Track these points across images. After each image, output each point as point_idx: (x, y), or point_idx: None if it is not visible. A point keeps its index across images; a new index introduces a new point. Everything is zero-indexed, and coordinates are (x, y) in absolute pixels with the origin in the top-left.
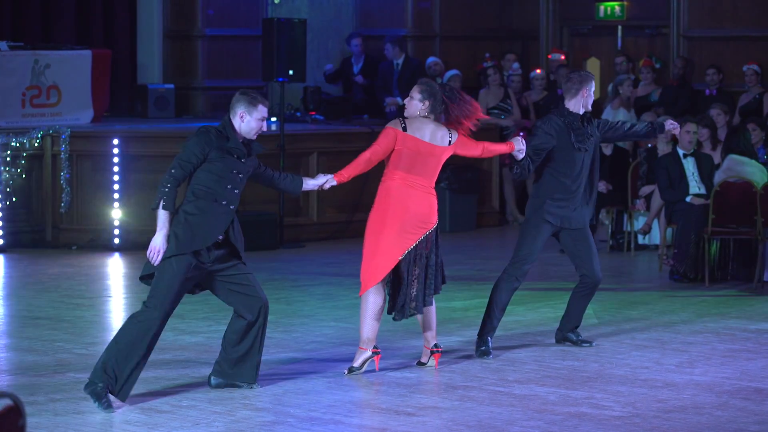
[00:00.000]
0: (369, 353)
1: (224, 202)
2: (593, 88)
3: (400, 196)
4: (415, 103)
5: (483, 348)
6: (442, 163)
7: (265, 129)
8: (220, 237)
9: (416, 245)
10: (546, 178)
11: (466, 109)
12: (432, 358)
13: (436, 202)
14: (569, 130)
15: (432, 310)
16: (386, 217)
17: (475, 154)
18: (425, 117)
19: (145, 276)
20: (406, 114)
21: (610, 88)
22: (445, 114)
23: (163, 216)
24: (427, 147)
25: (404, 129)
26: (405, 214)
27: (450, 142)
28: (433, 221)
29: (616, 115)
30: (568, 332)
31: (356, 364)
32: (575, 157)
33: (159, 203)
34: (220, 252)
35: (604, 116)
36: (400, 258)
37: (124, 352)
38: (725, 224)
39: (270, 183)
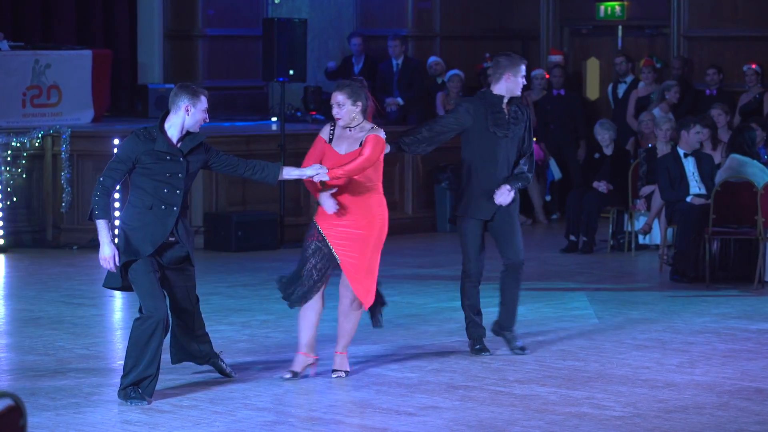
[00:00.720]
0: (306, 357)
1: (163, 207)
2: (523, 73)
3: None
4: (351, 108)
5: (478, 347)
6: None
7: (207, 120)
8: (171, 239)
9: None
10: (469, 167)
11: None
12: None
13: (377, 208)
14: (487, 114)
15: (356, 312)
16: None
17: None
18: (361, 123)
19: (109, 287)
20: (342, 124)
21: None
22: (365, 112)
23: (100, 225)
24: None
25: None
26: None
27: (361, 142)
28: (372, 227)
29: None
30: (505, 330)
31: (295, 368)
32: (496, 142)
33: (91, 213)
34: (173, 253)
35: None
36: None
37: (139, 353)
38: (726, 224)
39: (236, 173)
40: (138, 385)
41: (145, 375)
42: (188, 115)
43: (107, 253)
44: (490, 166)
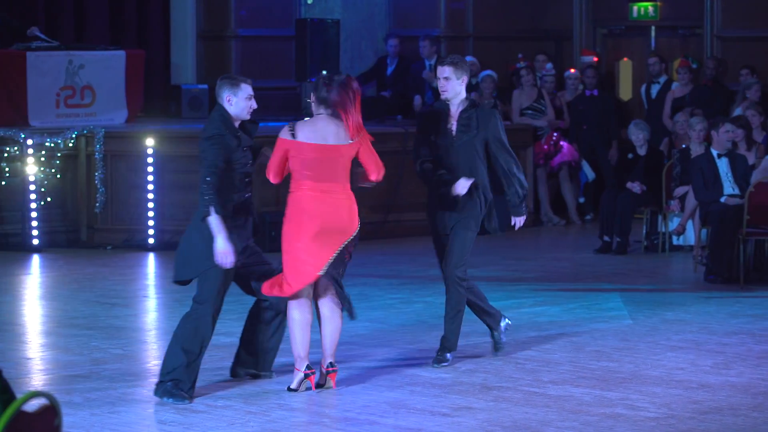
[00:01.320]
0: (302, 374)
1: (246, 195)
2: (442, 75)
3: (312, 208)
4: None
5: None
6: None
7: (254, 106)
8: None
9: (335, 256)
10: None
11: (342, 99)
12: (328, 378)
13: (355, 206)
14: (445, 117)
15: (336, 319)
16: (300, 231)
17: (380, 173)
18: (320, 114)
19: (179, 281)
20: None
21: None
22: (324, 103)
23: (215, 220)
24: (331, 149)
25: (294, 136)
26: (321, 227)
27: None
28: (354, 228)
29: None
30: (442, 350)
31: (293, 385)
32: (450, 145)
33: (210, 210)
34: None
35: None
36: (319, 273)
37: (182, 350)
38: (760, 225)
39: None
40: (179, 382)
41: (189, 371)
42: (231, 104)
43: (224, 247)
44: (447, 177)
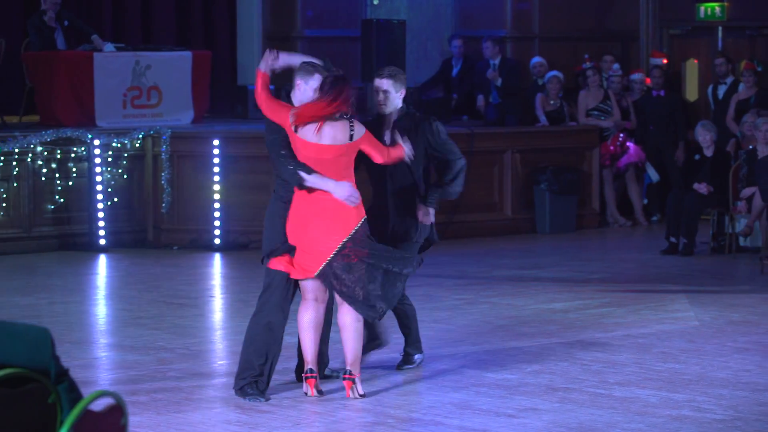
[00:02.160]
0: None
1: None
2: (376, 85)
3: (307, 207)
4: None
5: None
6: (354, 159)
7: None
8: None
9: (333, 257)
10: None
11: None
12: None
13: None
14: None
15: (350, 326)
16: (298, 230)
17: (379, 160)
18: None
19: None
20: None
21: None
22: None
23: (313, 179)
24: (328, 149)
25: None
26: (316, 225)
27: (352, 137)
28: (350, 226)
29: None
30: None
31: (304, 388)
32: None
33: (297, 174)
34: None
35: None
36: (315, 274)
37: (254, 348)
38: None
39: None
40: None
41: (265, 369)
42: (299, 90)
43: (342, 187)
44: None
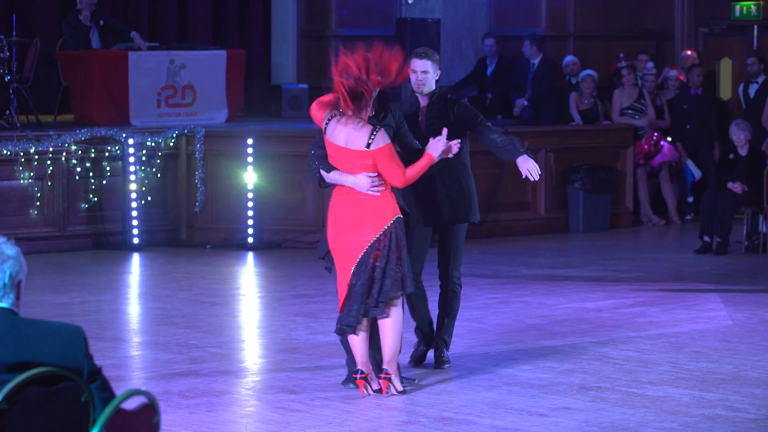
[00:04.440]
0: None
1: None
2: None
3: (334, 212)
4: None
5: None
6: (374, 164)
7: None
8: None
9: (362, 257)
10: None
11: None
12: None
13: (381, 202)
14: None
15: (387, 324)
16: (330, 237)
17: (395, 183)
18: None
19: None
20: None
21: None
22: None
23: (333, 175)
24: (344, 152)
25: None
26: (342, 230)
27: (369, 145)
28: (377, 228)
29: None
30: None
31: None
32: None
33: (318, 172)
34: None
35: None
36: (352, 270)
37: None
38: None
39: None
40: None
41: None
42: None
43: (367, 181)
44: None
